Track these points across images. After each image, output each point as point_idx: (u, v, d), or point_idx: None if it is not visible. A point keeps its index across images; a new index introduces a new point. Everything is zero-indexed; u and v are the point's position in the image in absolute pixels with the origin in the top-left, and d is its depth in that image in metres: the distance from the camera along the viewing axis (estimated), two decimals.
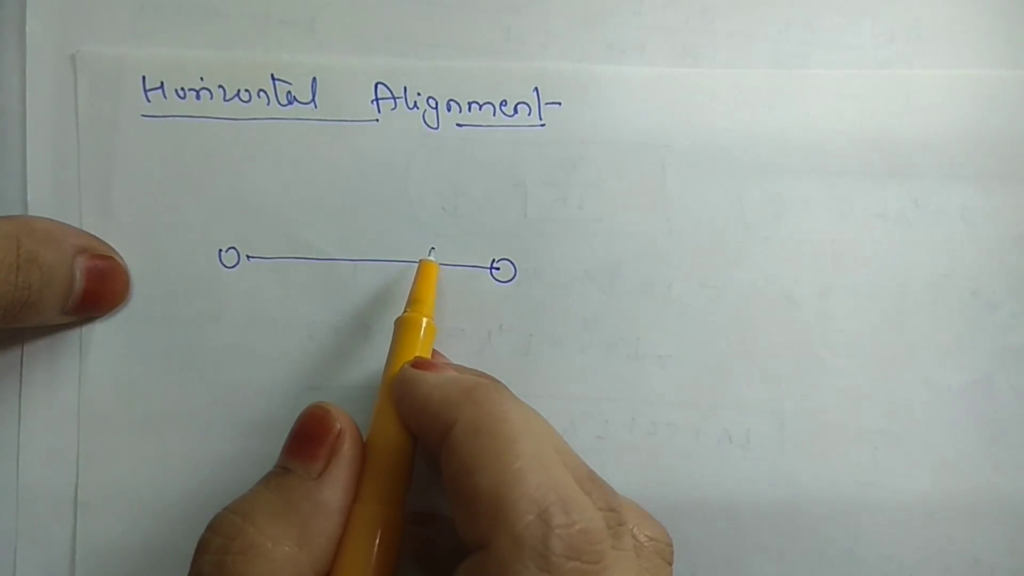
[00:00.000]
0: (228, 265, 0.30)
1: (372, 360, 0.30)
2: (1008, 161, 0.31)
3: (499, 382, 0.26)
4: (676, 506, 0.30)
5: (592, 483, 0.22)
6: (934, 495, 0.30)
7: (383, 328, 0.30)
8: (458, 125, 0.30)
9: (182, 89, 0.30)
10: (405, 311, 0.27)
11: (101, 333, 0.29)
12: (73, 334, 0.29)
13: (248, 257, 0.30)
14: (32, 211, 0.29)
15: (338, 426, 0.24)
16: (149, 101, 0.30)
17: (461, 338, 0.30)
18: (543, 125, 0.30)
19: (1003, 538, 0.30)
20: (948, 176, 0.31)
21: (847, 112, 0.31)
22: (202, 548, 0.22)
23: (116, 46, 0.30)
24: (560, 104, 0.30)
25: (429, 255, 0.29)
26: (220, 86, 0.30)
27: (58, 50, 0.30)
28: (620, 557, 0.21)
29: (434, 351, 0.27)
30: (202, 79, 0.30)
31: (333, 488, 0.23)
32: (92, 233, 0.29)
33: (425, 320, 0.26)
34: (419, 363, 0.25)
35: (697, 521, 0.30)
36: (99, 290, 0.28)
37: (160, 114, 0.30)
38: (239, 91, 0.30)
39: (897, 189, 0.31)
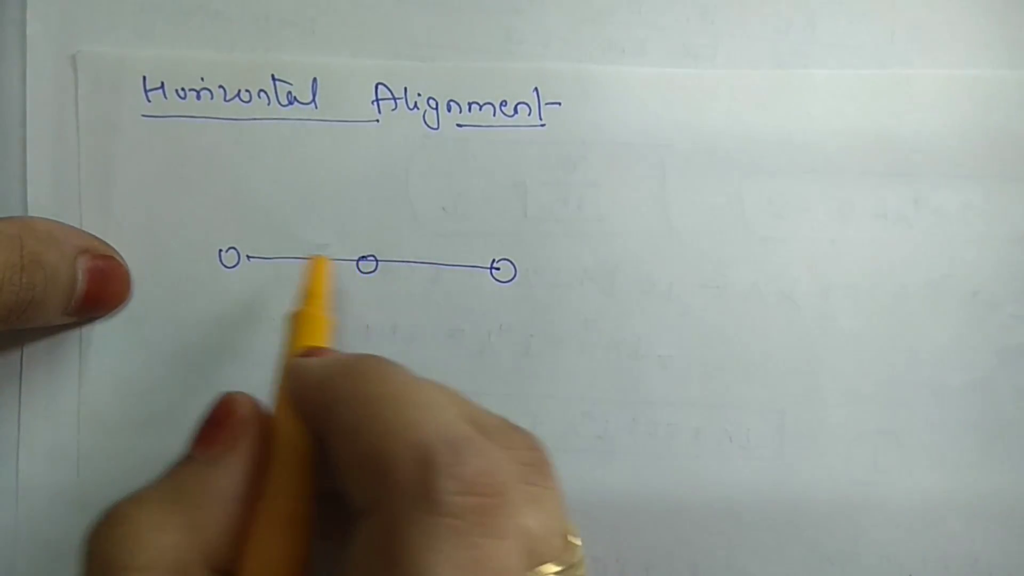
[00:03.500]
0: (228, 265, 0.30)
1: None
2: (1008, 161, 0.31)
3: (389, 360, 0.24)
4: (676, 506, 0.30)
5: (511, 428, 0.21)
6: (934, 495, 0.30)
7: (383, 328, 0.30)
8: (458, 125, 0.30)
9: (183, 89, 0.30)
10: (298, 306, 0.27)
11: (101, 333, 0.29)
12: (73, 334, 0.29)
13: (248, 257, 0.30)
14: (32, 211, 0.29)
15: (240, 412, 0.23)
16: (149, 101, 0.30)
17: (461, 338, 0.30)
18: (543, 125, 0.30)
19: (1003, 538, 0.30)
20: (948, 176, 0.31)
21: (847, 112, 0.31)
22: (90, 537, 0.21)
23: (116, 46, 0.30)
24: (560, 104, 0.30)
25: (320, 253, 0.29)
26: (221, 86, 0.30)
27: (58, 50, 0.30)
28: (538, 493, 0.20)
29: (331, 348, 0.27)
30: (203, 79, 0.30)
31: (227, 473, 0.22)
32: (92, 233, 0.29)
33: (316, 312, 0.26)
34: (307, 352, 0.25)
35: (697, 521, 0.30)
36: (100, 290, 0.28)
37: (161, 114, 0.30)
38: (240, 91, 0.30)
39: (897, 189, 0.31)
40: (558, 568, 0.20)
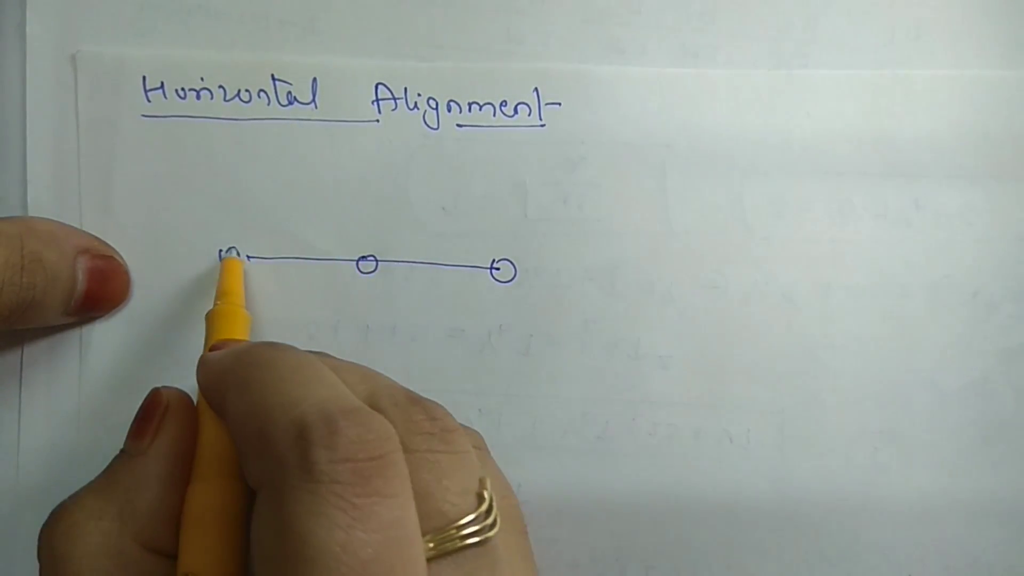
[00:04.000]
0: None
1: (372, 360, 0.30)
2: (1008, 161, 0.31)
3: (284, 344, 0.25)
4: (676, 506, 0.30)
5: (411, 402, 0.22)
6: (934, 495, 0.30)
7: (383, 328, 0.30)
8: (458, 126, 0.30)
9: (182, 89, 0.30)
10: (213, 305, 0.28)
11: (101, 333, 0.29)
12: (73, 334, 0.29)
13: (248, 257, 0.30)
14: (32, 211, 0.29)
15: (165, 403, 0.24)
16: (149, 101, 0.30)
17: (461, 338, 0.30)
18: (543, 125, 0.30)
19: (1002, 538, 0.30)
20: (948, 176, 0.31)
21: (847, 112, 0.31)
22: (40, 534, 0.23)
23: (116, 46, 0.30)
24: (560, 104, 0.30)
25: (230, 254, 0.30)
26: (220, 86, 0.30)
27: (58, 50, 0.30)
28: (437, 458, 0.21)
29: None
30: (202, 79, 0.30)
31: (155, 460, 0.23)
32: (92, 233, 0.29)
33: (230, 309, 0.27)
34: (215, 346, 0.26)
35: (697, 521, 0.30)
36: (100, 290, 0.28)
37: (160, 114, 0.30)
38: (239, 91, 0.30)
39: (897, 189, 0.31)
40: (471, 517, 0.20)
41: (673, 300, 0.30)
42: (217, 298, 0.28)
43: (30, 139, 0.29)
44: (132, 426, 0.24)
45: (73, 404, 0.29)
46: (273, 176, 0.30)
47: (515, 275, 0.30)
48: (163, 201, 0.30)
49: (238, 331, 0.27)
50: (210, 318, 0.27)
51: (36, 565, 0.29)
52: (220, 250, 0.30)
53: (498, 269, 0.30)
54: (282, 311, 0.30)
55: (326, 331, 0.30)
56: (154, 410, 0.24)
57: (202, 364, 0.24)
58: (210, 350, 0.25)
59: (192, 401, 0.25)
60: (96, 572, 0.21)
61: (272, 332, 0.30)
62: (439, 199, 0.30)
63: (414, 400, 0.22)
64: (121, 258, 0.29)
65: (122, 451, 0.24)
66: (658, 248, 0.30)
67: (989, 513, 0.30)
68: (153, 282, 0.30)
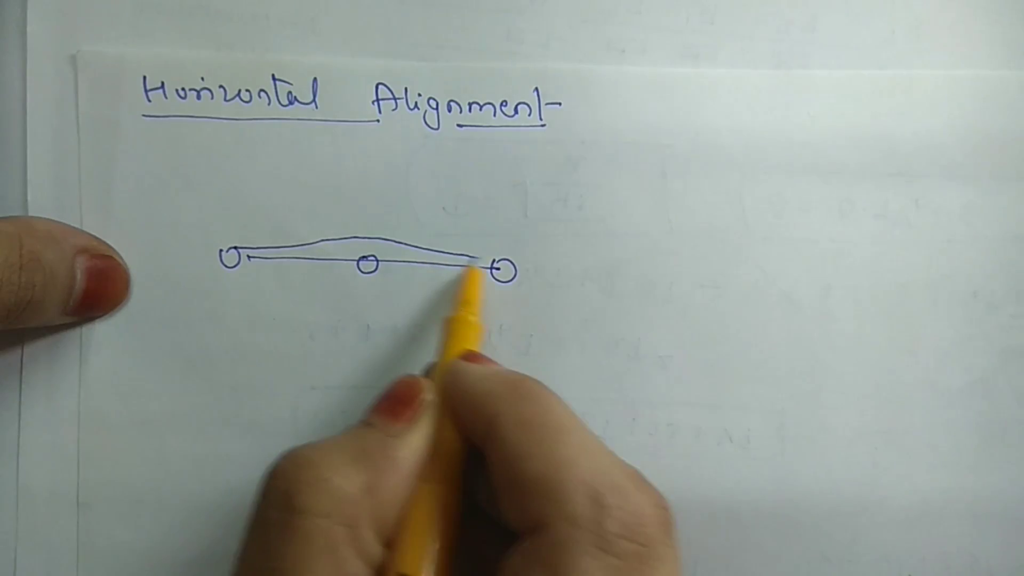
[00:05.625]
0: (228, 265, 0.30)
1: (372, 360, 0.30)
2: (1008, 161, 0.31)
3: (543, 384, 0.26)
4: (676, 506, 0.29)
5: (640, 480, 0.23)
6: (934, 495, 0.30)
7: (383, 328, 0.30)
8: (458, 126, 0.30)
9: (183, 89, 0.30)
10: (455, 312, 0.28)
11: (101, 333, 0.29)
12: (73, 334, 0.29)
13: (248, 257, 0.30)
14: (32, 211, 0.29)
15: (426, 397, 0.24)
16: (150, 101, 0.30)
17: None
18: (543, 125, 0.30)
19: (1002, 538, 0.30)
20: (948, 176, 0.31)
21: (847, 112, 0.31)
22: (273, 474, 0.22)
23: (116, 46, 0.30)
24: (560, 104, 0.30)
25: (476, 263, 0.30)
26: (221, 86, 0.30)
27: (58, 50, 0.30)
28: (668, 552, 0.21)
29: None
30: (203, 79, 0.30)
31: (408, 450, 0.23)
32: (92, 233, 0.29)
33: (472, 319, 0.28)
34: (467, 355, 0.26)
35: (697, 521, 0.30)
36: (100, 290, 0.28)
37: (161, 114, 0.30)
38: (240, 91, 0.30)
39: (897, 189, 0.31)
40: None
41: (673, 300, 0.30)
42: (460, 306, 0.28)
43: (30, 139, 0.29)
44: (383, 402, 0.24)
45: (73, 404, 0.29)
46: (273, 176, 0.30)
47: (515, 275, 0.30)
48: (163, 201, 0.30)
49: (475, 343, 0.28)
50: (452, 324, 0.28)
51: (36, 565, 0.29)
52: (220, 250, 0.30)
53: (498, 269, 0.30)
54: (282, 311, 0.30)
55: (326, 331, 0.30)
56: (413, 397, 0.24)
57: (461, 373, 0.25)
58: (461, 359, 0.26)
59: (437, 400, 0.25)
60: (327, 538, 0.21)
61: (272, 332, 0.30)
62: (439, 199, 0.30)
63: (645, 482, 0.23)
64: (121, 258, 0.29)
65: (368, 423, 0.24)
66: (658, 248, 0.30)
67: (989, 513, 0.30)
68: (153, 282, 0.30)
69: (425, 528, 0.23)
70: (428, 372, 0.27)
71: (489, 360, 0.27)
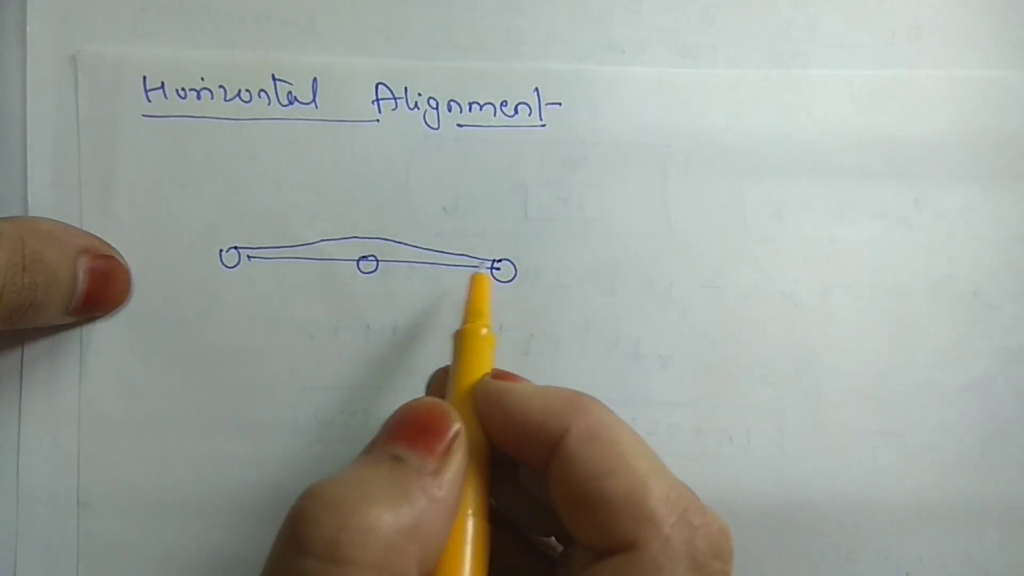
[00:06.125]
0: (228, 265, 0.30)
1: (372, 360, 0.30)
2: (1008, 161, 0.31)
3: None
4: None
5: (697, 497, 0.22)
6: (933, 495, 0.30)
7: (383, 328, 0.30)
8: (459, 125, 0.30)
9: (183, 89, 0.30)
10: (464, 323, 0.26)
11: (101, 333, 0.29)
12: (73, 334, 0.29)
13: (248, 257, 0.30)
14: (32, 211, 0.29)
15: (456, 426, 0.22)
16: (150, 101, 0.30)
17: None
18: (543, 125, 0.30)
19: (1001, 537, 0.30)
20: (948, 176, 0.31)
21: (847, 112, 0.31)
22: (306, 518, 0.19)
23: (116, 46, 0.30)
24: (560, 104, 0.30)
25: (480, 270, 0.30)
26: (221, 86, 0.30)
27: (58, 50, 0.30)
28: (726, 570, 0.22)
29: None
30: (203, 79, 0.30)
31: (450, 489, 0.21)
32: (93, 233, 0.29)
33: (485, 331, 0.26)
34: (497, 374, 0.25)
35: None
36: (101, 290, 0.28)
37: (161, 114, 0.30)
38: (240, 91, 0.30)
39: (897, 189, 0.31)
40: None
41: (673, 300, 0.30)
42: (471, 317, 0.26)
43: (30, 139, 0.29)
44: (413, 435, 0.22)
45: (73, 404, 0.29)
46: (273, 176, 0.30)
47: (515, 275, 0.30)
48: (163, 201, 0.30)
49: (490, 356, 0.25)
50: (467, 338, 0.25)
51: (36, 565, 0.29)
52: (220, 250, 0.30)
53: (498, 269, 0.30)
54: (282, 311, 0.30)
55: (326, 331, 0.30)
56: (444, 429, 0.22)
57: (501, 395, 0.23)
58: (493, 378, 0.24)
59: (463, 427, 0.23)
60: None
61: (272, 332, 0.30)
62: (439, 199, 0.30)
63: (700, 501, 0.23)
64: (122, 258, 0.29)
65: (397, 457, 0.21)
66: (658, 248, 0.30)
67: (988, 513, 0.30)
68: (153, 282, 0.30)
69: (466, 565, 0.22)
70: (431, 385, 0.26)
71: (520, 377, 0.25)
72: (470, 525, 0.22)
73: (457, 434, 0.22)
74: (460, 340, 0.25)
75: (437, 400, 0.23)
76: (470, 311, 0.26)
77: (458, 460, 0.22)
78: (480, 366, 0.25)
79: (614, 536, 0.21)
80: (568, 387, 0.23)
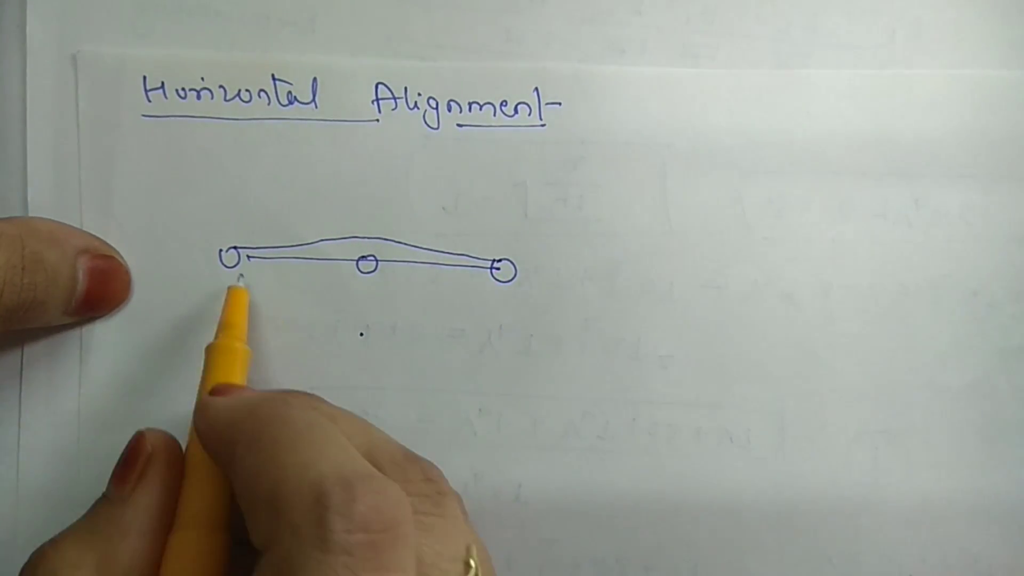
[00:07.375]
0: (228, 265, 0.30)
1: (372, 361, 0.30)
2: (1008, 161, 0.31)
3: (305, 394, 0.25)
4: (676, 506, 0.30)
5: (408, 461, 0.22)
6: (934, 495, 0.30)
7: (383, 328, 0.30)
8: (458, 125, 0.30)
9: (183, 89, 0.30)
10: (216, 338, 0.27)
11: (101, 333, 0.29)
12: (73, 334, 0.29)
13: (248, 257, 0.30)
14: (32, 211, 0.29)
15: (149, 449, 0.24)
16: (150, 101, 0.30)
17: (461, 338, 0.30)
18: (543, 125, 0.30)
19: (1002, 538, 0.30)
20: (948, 176, 0.31)
21: (847, 112, 0.31)
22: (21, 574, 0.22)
23: (116, 46, 0.30)
24: (560, 104, 0.30)
25: (238, 282, 0.29)
26: (221, 86, 0.30)
27: (58, 50, 0.30)
28: (431, 523, 0.21)
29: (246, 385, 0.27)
30: (203, 79, 0.30)
31: (136, 509, 0.23)
32: (92, 233, 0.29)
33: (234, 346, 0.26)
34: (216, 389, 0.25)
35: (697, 521, 0.30)
36: (101, 290, 0.28)
37: (161, 114, 0.30)
38: (240, 91, 0.30)
39: (897, 189, 0.31)
40: None
41: (673, 300, 0.30)
42: (220, 331, 0.27)
43: (30, 139, 0.29)
44: (115, 469, 0.24)
45: (73, 404, 0.29)
46: (273, 176, 0.30)
47: (515, 275, 0.30)
48: (163, 201, 0.30)
49: (239, 369, 0.26)
50: (211, 353, 0.26)
51: None
52: (220, 250, 0.30)
53: (498, 269, 0.30)
54: (282, 311, 0.30)
55: (326, 331, 0.30)
56: (137, 455, 0.24)
57: (204, 409, 0.24)
58: (211, 393, 0.25)
59: (179, 446, 0.25)
60: None
61: (272, 332, 0.30)
62: (439, 199, 0.30)
63: (411, 459, 0.23)
64: (121, 258, 0.29)
65: (104, 496, 0.24)
66: (658, 248, 0.30)
67: (989, 513, 0.30)
68: (153, 282, 0.30)
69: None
70: None
71: (244, 388, 0.26)
72: (185, 538, 0.23)
73: (149, 459, 0.24)
74: (206, 355, 0.26)
75: (143, 430, 0.25)
76: (220, 324, 0.27)
77: (148, 482, 0.23)
78: (224, 380, 0.26)
79: (259, 537, 0.20)
80: (298, 389, 0.24)
